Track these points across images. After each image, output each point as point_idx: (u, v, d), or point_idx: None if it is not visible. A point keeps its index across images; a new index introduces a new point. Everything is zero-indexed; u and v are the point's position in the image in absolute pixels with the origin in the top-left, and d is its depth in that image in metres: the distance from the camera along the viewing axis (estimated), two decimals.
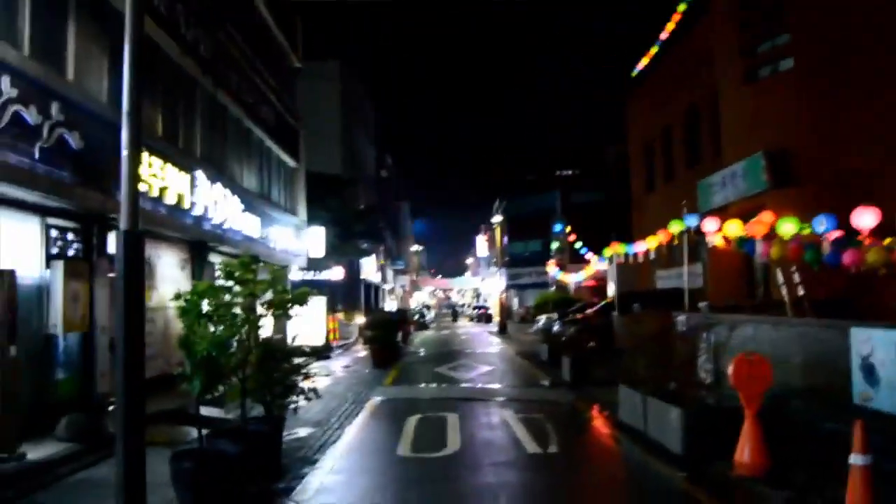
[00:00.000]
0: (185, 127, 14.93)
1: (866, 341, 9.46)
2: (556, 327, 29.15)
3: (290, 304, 8.44)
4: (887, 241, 11.32)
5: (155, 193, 12.37)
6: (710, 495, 6.86)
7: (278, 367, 8.54)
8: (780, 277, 15.86)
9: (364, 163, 48.94)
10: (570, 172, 55.57)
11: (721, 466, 7.46)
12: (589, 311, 29.28)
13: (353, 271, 39.44)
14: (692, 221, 17.11)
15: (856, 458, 5.64)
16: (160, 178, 12.57)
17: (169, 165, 12.96)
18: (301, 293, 8.71)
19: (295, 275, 27.27)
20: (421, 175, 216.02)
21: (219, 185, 15.69)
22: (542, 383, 16.37)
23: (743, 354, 7.53)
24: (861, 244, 12.03)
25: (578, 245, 40.13)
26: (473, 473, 7.97)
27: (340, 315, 35.86)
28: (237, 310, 7.92)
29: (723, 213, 18.07)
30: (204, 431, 7.27)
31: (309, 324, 24.76)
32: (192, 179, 14.21)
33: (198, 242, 15.45)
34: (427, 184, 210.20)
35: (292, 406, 8.84)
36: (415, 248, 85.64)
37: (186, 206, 13.82)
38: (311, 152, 30.63)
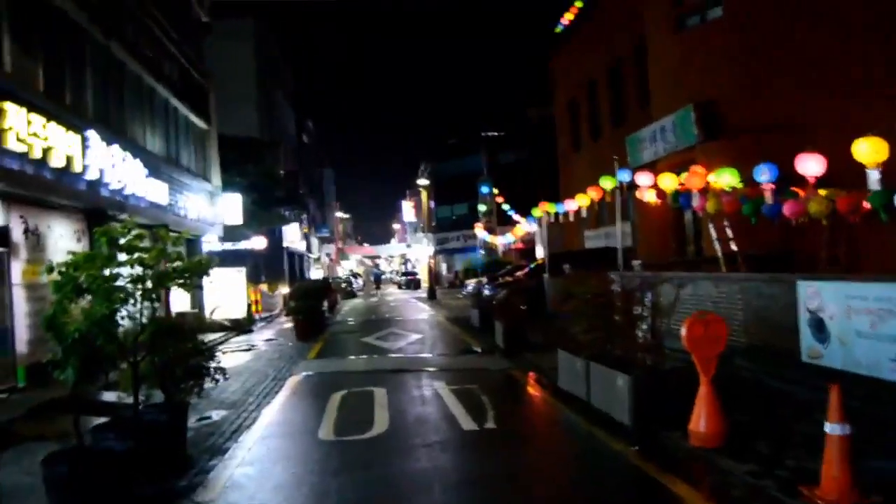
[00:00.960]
0: (73, 82, 13.42)
1: (815, 295, 8.96)
2: (486, 291, 28.54)
3: (188, 275, 7.28)
4: (824, 192, 10.90)
5: (37, 155, 10.98)
6: (666, 470, 6.17)
7: (177, 347, 7.42)
8: (712, 232, 15.47)
9: (284, 127, 47.10)
10: (495, 133, 54.75)
11: (675, 437, 6.82)
12: (519, 273, 28.77)
13: (275, 240, 37.96)
14: (625, 176, 16.53)
15: (833, 428, 5.00)
16: (42, 137, 11.16)
17: (53, 124, 11.56)
18: (199, 262, 7.58)
19: (213, 245, 25.82)
20: (344, 141, 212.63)
21: (116, 146, 14.27)
22: (475, 350, 15.65)
23: (696, 314, 6.86)
24: (797, 195, 11.63)
25: (506, 207, 39.64)
26: (403, 457, 7.12)
27: (264, 286, 34.49)
28: (124, 282, 6.75)
29: (652, 168, 17.53)
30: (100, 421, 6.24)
31: (229, 296, 23.56)
32: (84, 140, 12.80)
33: (95, 210, 14.02)
34: (351, 150, 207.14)
35: (197, 390, 7.78)
36: (340, 215, 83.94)
37: (77, 169, 12.44)
38: (225, 115, 28.97)
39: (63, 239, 13.24)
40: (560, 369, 10.04)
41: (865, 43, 12.97)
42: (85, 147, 12.77)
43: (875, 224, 10.73)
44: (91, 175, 12.99)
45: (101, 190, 13.73)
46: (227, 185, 25.42)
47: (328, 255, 73.24)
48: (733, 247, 15.25)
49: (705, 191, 13.73)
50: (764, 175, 10.73)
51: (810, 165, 9.77)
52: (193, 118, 21.97)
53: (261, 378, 12.89)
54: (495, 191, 43.15)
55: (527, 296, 22.71)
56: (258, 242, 36.30)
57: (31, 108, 10.90)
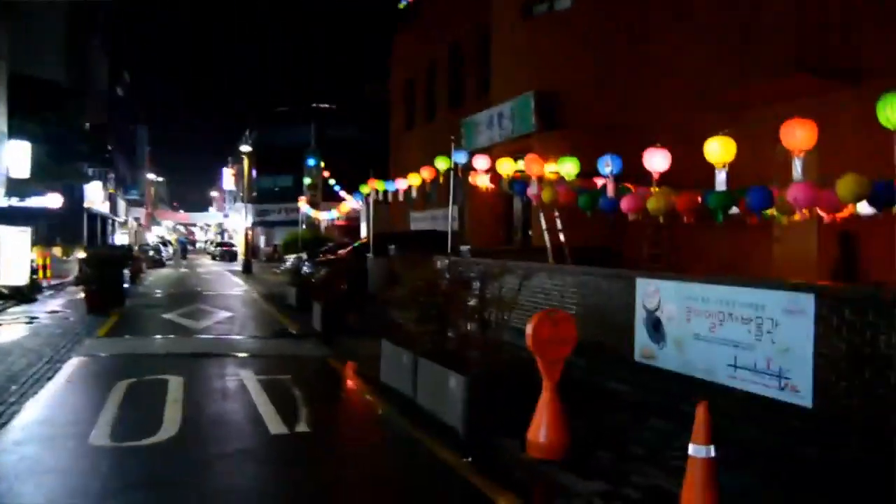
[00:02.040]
0: None
1: (653, 294, 8.59)
2: (305, 268, 27.16)
3: None
4: (655, 189, 10.72)
5: None
6: (503, 488, 5.41)
7: None
8: (543, 222, 15.20)
9: (95, 75, 42.73)
10: (326, 106, 53.01)
11: (511, 447, 6.08)
12: (341, 251, 27.64)
13: (74, 199, 34.32)
14: (461, 158, 15.88)
15: (698, 450, 4.40)
16: None
17: None
18: None
19: None
20: (164, 98, 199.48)
21: None
22: (290, 333, 14.42)
23: (545, 312, 6.14)
24: (630, 191, 11.41)
25: (332, 182, 38.31)
26: (193, 472, 5.88)
27: (57, 250, 31.00)
28: None
29: (488, 154, 17.01)
30: None
31: (9, 259, 20.70)
32: None
33: None
34: (171, 109, 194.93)
35: None
36: (153, 177, 78.42)
37: None
38: (25, 53, 25.57)
39: None
40: (383, 361, 9.11)
41: (709, 50, 13.01)
42: None
43: (701, 226, 10.71)
44: None
45: None
46: (17, 133, 22.26)
47: (137, 219, 68.24)
48: (562, 238, 15.08)
49: (541, 180, 13.33)
50: (608, 166, 10.34)
51: (657, 161, 9.45)
52: None
53: (33, 360, 10.96)
54: (322, 164, 41.61)
55: (349, 276, 21.73)
56: (53, 200, 32.57)
57: None
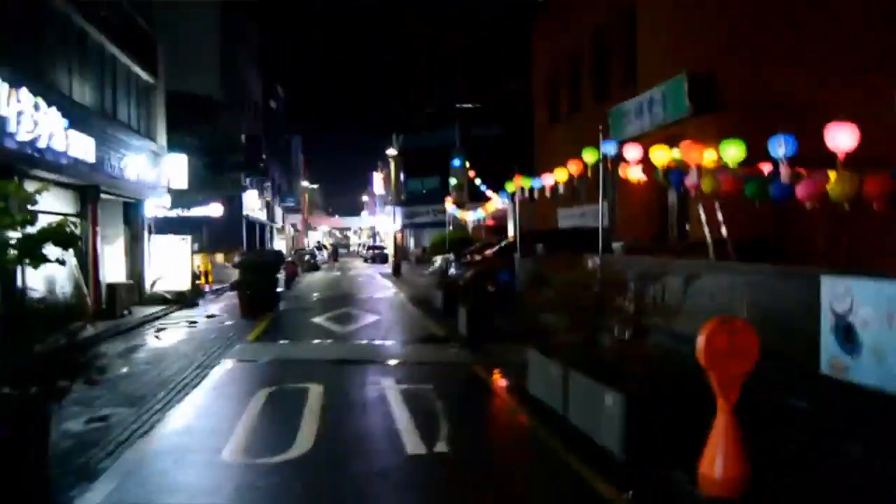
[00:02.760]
0: None
1: (843, 295, 7.36)
2: (452, 270, 26.86)
3: (32, 244, 5.46)
4: (838, 172, 9.35)
5: None
6: None
7: (31, 338, 5.62)
8: (702, 215, 13.95)
9: (248, 90, 44.73)
10: (469, 105, 52.83)
11: (679, 480, 5.20)
12: (487, 252, 27.13)
13: (234, 208, 35.90)
14: (610, 149, 14.84)
15: None
16: None
17: None
18: (56, 228, 5.75)
19: (158, 211, 23.76)
20: (315, 109, 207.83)
21: (25, 90, 12.24)
22: (435, 337, 13.97)
23: (718, 319, 5.19)
24: (801, 175, 10.07)
25: (478, 181, 37.92)
26: (318, 497, 5.42)
27: (218, 256, 32.49)
28: None
29: (638, 143, 15.87)
30: None
31: (173, 266, 21.68)
32: None
33: None
34: (322, 118, 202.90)
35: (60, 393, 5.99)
36: (306, 183, 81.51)
37: None
38: (183, 72, 26.87)
39: None
40: (531, 371, 8.39)
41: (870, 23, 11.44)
42: None
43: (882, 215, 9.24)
44: None
45: (6, 140, 11.74)
46: (176, 147, 23.33)
47: (294, 225, 71.08)
48: (724, 232, 13.78)
49: (700, 168, 12.15)
50: (781, 147, 9.08)
51: (842, 137, 8.11)
52: (137, 70, 19.86)
53: (185, 364, 11.12)
54: (467, 164, 41.36)
55: (495, 277, 21.17)
56: (214, 209, 34.23)
57: None
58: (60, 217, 6.27)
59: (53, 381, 5.75)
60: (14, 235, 5.61)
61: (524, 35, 35.49)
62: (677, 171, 13.34)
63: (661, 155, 12.69)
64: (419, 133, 56.53)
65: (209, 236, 33.62)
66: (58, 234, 5.60)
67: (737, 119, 14.42)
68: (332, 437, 6.84)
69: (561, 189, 18.45)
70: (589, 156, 15.59)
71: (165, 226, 24.70)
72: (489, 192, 35.62)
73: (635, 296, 7.36)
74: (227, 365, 11.02)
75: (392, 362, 11.03)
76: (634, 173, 15.27)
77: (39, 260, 5.60)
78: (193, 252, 27.65)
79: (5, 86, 11.44)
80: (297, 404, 8.05)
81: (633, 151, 13.84)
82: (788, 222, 13.41)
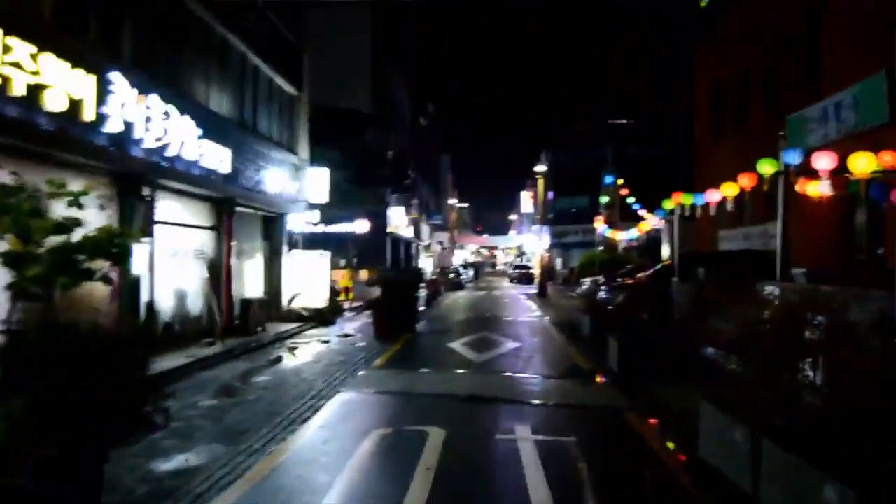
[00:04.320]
0: (101, 13, 10.95)
1: None
2: (601, 293, 24.95)
3: (67, 256, 4.40)
4: None
5: (17, 91, 8.49)
6: None
7: (82, 378, 4.54)
8: None
9: (398, 106, 44.62)
10: (623, 122, 50.47)
11: None
12: (640, 275, 24.99)
13: (379, 224, 35.55)
14: (794, 158, 12.66)
15: None
16: (30, 71, 8.68)
17: (51, 56, 9.06)
18: (106, 234, 4.68)
19: (303, 226, 23.47)
20: (465, 128, 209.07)
21: (156, 97, 11.77)
22: (581, 371, 12.30)
23: None
24: None
25: (631, 200, 35.70)
26: None
27: (363, 273, 32.11)
28: None
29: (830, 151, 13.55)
30: None
31: (312, 282, 21.19)
32: (103, 83, 10.31)
33: (125, 174, 11.59)
34: (471, 137, 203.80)
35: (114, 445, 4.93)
36: (454, 201, 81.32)
37: (88, 118, 9.94)
38: (330, 84, 26.73)
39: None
40: (703, 429, 6.62)
41: None
42: (104, 92, 10.30)
43: None
44: (112, 127, 10.52)
45: (132, 148, 11.28)
46: (320, 160, 22.92)
47: (440, 243, 70.86)
48: None
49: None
50: None
51: None
52: (280, 82, 19.53)
53: (301, 392, 10.13)
54: (620, 181, 39.15)
55: (650, 304, 19.15)
56: (360, 226, 33.99)
57: (17, 32, 8.44)
58: (108, 226, 5.18)
59: (96, 434, 4.65)
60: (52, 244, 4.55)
61: (686, 48, 33.17)
62: (882, 183, 11.09)
63: (864, 163, 10.51)
64: (569, 150, 54.77)
65: (354, 253, 33.41)
66: (103, 245, 4.47)
67: None
68: None
69: (729, 206, 16.29)
70: (766, 167, 13.44)
71: (311, 242, 24.40)
72: (643, 212, 33.39)
73: (842, 338, 5.48)
74: (345, 396, 9.89)
75: (529, 402, 9.49)
76: (821, 187, 13.06)
77: (78, 277, 4.49)
78: (339, 268, 27.36)
79: (132, 91, 10.95)
80: (412, 456, 6.70)
81: (824, 160, 11.66)
82: None
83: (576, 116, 57.41)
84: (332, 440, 7.51)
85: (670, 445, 7.33)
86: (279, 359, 13.78)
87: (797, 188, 13.79)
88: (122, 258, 4.73)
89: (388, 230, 37.55)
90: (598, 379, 11.39)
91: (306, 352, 14.88)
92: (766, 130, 21.44)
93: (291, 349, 15.26)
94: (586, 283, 33.27)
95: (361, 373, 11.88)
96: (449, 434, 7.52)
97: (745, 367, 6.43)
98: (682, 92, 35.59)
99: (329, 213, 29.09)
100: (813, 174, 13.95)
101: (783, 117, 19.22)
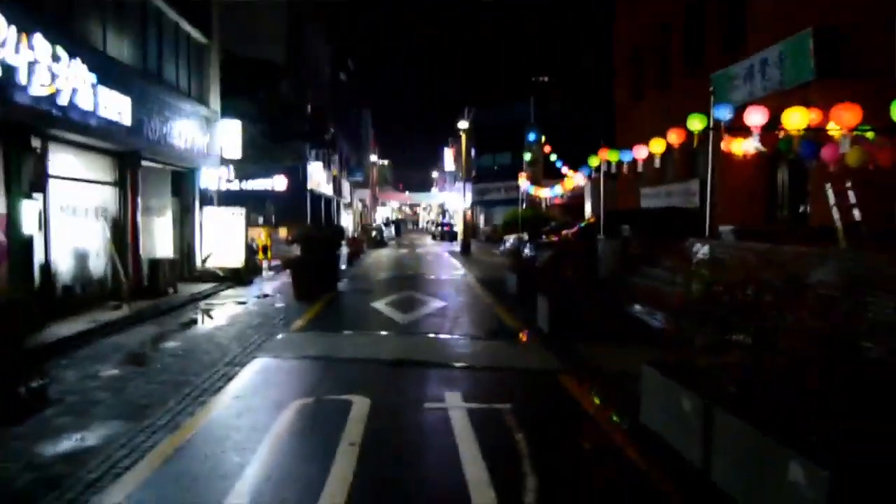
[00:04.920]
0: None
1: None
2: (527, 250, 24.74)
3: None
4: None
5: None
6: None
7: None
8: (830, 195, 11.56)
9: (315, 59, 43.03)
10: (544, 79, 50.18)
11: None
12: (566, 231, 24.88)
13: (298, 181, 34.38)
14: (724, 114, 12.45)
15: None
16: None
17: None
18: None
19: (219, 183, 22.28)
20: (385, 82, 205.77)
21: (40, 37, 10.55)
22: (510, 331, 11.93)
23: None
24: None
25: (554, 157, 35.55)
26: None
27: (282, 231, 31.03)
28: None
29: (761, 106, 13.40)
30: None
31: (227, 241, 20.17)
32: None
33: (10, 124, 10.42)
34: (392, 92, 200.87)
35: None
36: (375, 158, 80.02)
37: None
38: (242, 34, 25.33)
39: None
40: (645, 394, 6.26)
41: None
42: None
43: None
44: None
45: (16, 94, 10.10)
46: (233, 113, 21.66)
47: (362, 200, 69.73)
48: (856, 215, 11.38)
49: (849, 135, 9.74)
50: None
51: None
52: (187, 27, 18.18)
53: (214, 359, 9.39)
54: (542, 138, 38.96)
55: (576, 260, 19.01)
56: (278, 182, 32.83)
57: None
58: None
59: None
60: None
61: (605, 6, 32.95)
62: (811, 141, 10.96)
63: (797, 119, 10.31)
64: (492, 107, 54.27)
65: (273, 210, 32.25)
66: None
67: (879, 87, 11.76)
68: (371, 490, 4.88)
69: (656, 162, 16.12)
70: (696, 123, 13.22)
71: (227, 199, 23.23)
72: (565, 169, 33.26)
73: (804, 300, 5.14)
74: (261, 361, 9.20)
75: (458, 366, 9.02)
76: (747, 144, 12.95)
77: None
78: (258, 226, 26.27)
79: (13, 28, 9.76)
80: (334, 429, 6.12)
81: (755, 115, 11.43)
82: None
83: (498, 72, 56.85)
84: (246, 413, 6.85)
85: (607, 408, 6.98)
86: (191, 322, 12.95)
87: (722, 146, 13.67)
88: None
89: (308, 187, 36.39)
90: (528, 339, 11.02)
91: (221, 314, 14.05)
92: (687, 89, 21.43)
93: (205, 311, 14.40)
94: (510, 240, 33.10)
95: (280, 336, 11.19)
96: (374, 403, 6.96)
97: (687, 329, 6.05)
98: (603, 50, 35.44)
99: (245, 169, 27.88)
100: (742, 131, 13.83)
101: (704, 76, 19.12)
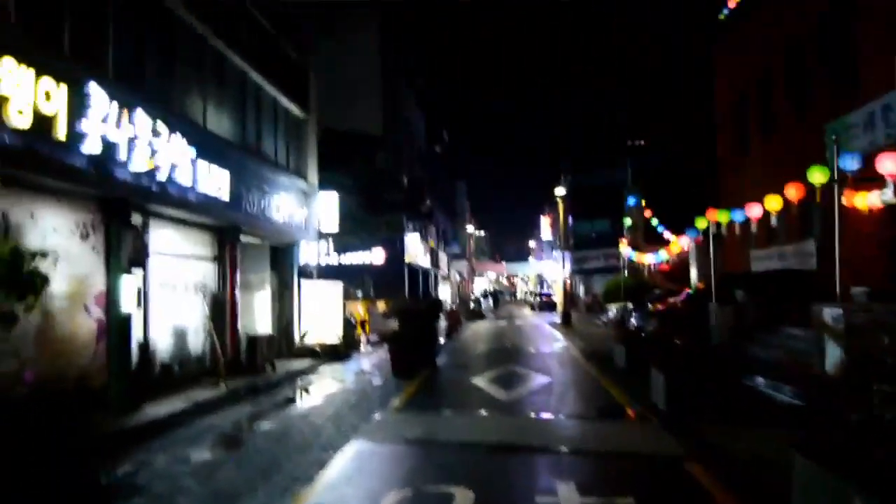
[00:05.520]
0: (76, 20, 9.86)
1: None
2: (633, 320, 23.63)
3: None
4: None
5: None
6: None
7: None
8: None
9: (412, 130, 43.62)
10: (642, 142, 49.15)
11: None
12: (672, 299, 23.61)
13: (395, 254, 34.34)
14: (851, 163, 11.39)
15: None
16: None
17: (21, 67, 8.00)
18: None
19: (314, 257, 22.33)
20: (480, 155, 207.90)
21: (141, 112, 10.66)
22: (621, 410, 10.94)
23: None
24: None
25: (655, 221, 34.38)
26: None
27: (381, 304, 30.86)
28: None
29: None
30: None
31: (324, 316, 19.99)
32: (81, 97, 9.23)
33: (110, 199, 10.48)
34: (487, 163, 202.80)
35: None
36: (471, 229, 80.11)
37: (62, 135, 8.83)
38: (339, 106, 25.78)
39: (56, 234, 9.73)
40: (797, 488, 5.26)
41: None
42: (82, 105, 9.21)
43: None
44: (91, 146, 9.40)
45: (116, 171, 10.15)
46: (329, 185, 21.74)
47: (459, 272, 69.55)
48: None
49: None
50: None
51: None
52: (285, 102, 18.48)
53: (308, 442, 8.87)
54: (643, 202, 37.85)
55: (687, 329, 17.86)
56: (375, 256, 32.85)
57: None
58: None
59: None
60: None
61: (703, 61, 32.05)
62: None
63: None
64: (588, 172, 53.61)
65: (370, 284, 32.18)
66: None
67: None
68: None
69: (773, 220, 14.99)
70: (817, 175, 12.16)
71: (324, 273, 23.27)
72: (667, 234, 32.02)
73: None
74: (355, 448, 8.57)
75: (568, 452, 8.14)
76: (877, 197, 11.83)
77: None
78: (356, 299, 26.13)
79: (112, 104, 9.85)
80: None
81: (889, 163, 10.33)
82: None
83: (594, 137, 56.30)
84: None
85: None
86: (287, 401, 12.56)
87: (845, 200, 12.55)
88: (35, 289, 3.54)
89: (405, 260, 36.33)
90: (644, 418, 10.02)
91: (317, 392, 13.63)
92: (798, 142, 20.18)
93: (302, 389, 14.03)
94: (613, 309, 31.89)
95: (377, 417, 10.59)
96: (478, 497, 6.21)
97: (835, 404, 5.09)
98: (702, 103, 34.36)
99: (343, 242, 27.99)
100: (868, 182, 12.69)
101: (816, 125, 17.93)
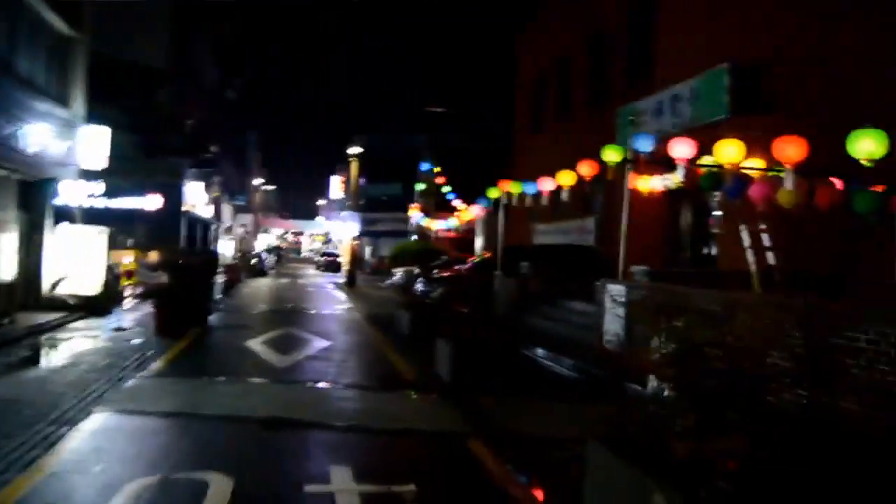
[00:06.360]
0: None
1: None
2: (418, 286, 23.45)
3: None
4: None
5: None
6: None
7: None
8: (745, 237, 10.89)
9: (202, 72, 40.55)
10: (440, 110, 49.48)
11: None
12: (459, 267, 23.74)
13: (173, 201, 31.73)
14: (645, 145, 11.59)
15: None
16: None
17: None
18: None
19: (79, 198, 19.82)
20: (273, 106, 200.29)
21: None
22: (405, 380, 10.42)
23: None
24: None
25: (446, 189, 34.67)
26: None
27: (152, 255, 28.34)
28: None
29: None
30: None
31: (84, 264, 17.79)
32: None
33: None
34: (281, 116, 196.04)
35: None
36: (260, 182, 77.08)
37: None
38: (119, 32, 23.03)
39: None
40: (591, 476, 4.90)
41: None
42: None
43: None
44: None
45: None
46: (99, 119, 19.27)
47: (244, 226, 66.66)
48: (770, 259, 10.76)
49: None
50: None
51: None
52: (50, 15, 15.92)
53: (42, 413, 7.43)
54: (437, 169, 38.05)
55: (472, 298, 17.85)
56: (151, 201, 30.04)
57: None
58: None
59: None
60: None
61: (504, 42, 32.59)
62: (740, 178, 10.16)
63: (732, 152, 9.45)
64: (383, 136, 53.15)
65: (143, 233, 29.44)
66: None
67: (784, 122, 11.20)
68: None
69: (564, 195, 15.19)
70: (611, 154, 12.31)
71: (92, 217, 20.71)
72: (457, 203, 32.39)
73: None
74: (99, 419, 7.31)
75: (346, 428, 7.41)
76: (659, 181, 12.22)
77: None
78: (125, 248, 23.70)
79: None
80: None
81: (682, 148, 10.56)
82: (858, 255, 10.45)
83: (391, 100, 56.04)
84: (60, 500, 5.05)
85: (531, 485, 5.63)
86: (22, 362, 10.77)
87: (629, 182, 12.89)
88: None
89: (184, 208, 33.75)
90: (427, 390, 9.55)
91: (64, 351, 11.90)
92: (591, 122, 20.88)
93: (44, 347, 12.20)
94: (398, 273, 31.68)
95: (130, 382, 9.28)
96: (237, 487, 5.32)
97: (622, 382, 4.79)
98: (501, 83, 35.05)
99: (115, 185, 25.26)
100: (657, 164, 13.07)
101: (610, 110, 18.56)
